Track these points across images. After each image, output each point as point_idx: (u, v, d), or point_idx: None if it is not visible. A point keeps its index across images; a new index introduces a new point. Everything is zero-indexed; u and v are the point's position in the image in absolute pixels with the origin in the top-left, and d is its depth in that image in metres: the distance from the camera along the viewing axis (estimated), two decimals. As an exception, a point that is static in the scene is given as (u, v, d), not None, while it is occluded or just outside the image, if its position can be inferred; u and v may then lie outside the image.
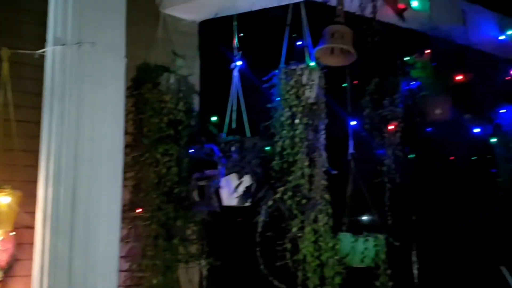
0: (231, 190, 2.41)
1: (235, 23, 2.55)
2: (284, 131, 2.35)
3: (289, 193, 2.27)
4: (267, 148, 2.42)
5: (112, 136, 2.03)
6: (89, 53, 1.97)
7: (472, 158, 3.66)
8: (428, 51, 2.90)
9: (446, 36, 3.05)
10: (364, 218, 2.66)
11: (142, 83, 2.56)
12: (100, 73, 2.01)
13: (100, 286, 1.90)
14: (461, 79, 2.84)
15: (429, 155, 3.42)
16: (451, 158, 3.58)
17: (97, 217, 1.92)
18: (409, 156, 3.29)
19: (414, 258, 3.08)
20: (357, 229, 2.44)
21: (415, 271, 3.07)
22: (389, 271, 2.41)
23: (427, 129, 3.21)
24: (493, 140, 3.30)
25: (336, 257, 2.31)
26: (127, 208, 2.49)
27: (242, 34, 2.55)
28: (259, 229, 2.25)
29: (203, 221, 2.62)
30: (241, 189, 2.39)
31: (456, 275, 3.32)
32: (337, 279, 2.30)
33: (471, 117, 3.13)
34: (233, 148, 2.34)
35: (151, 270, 2.41)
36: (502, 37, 3.44)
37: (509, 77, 3.45)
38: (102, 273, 1.91)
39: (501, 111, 3.23)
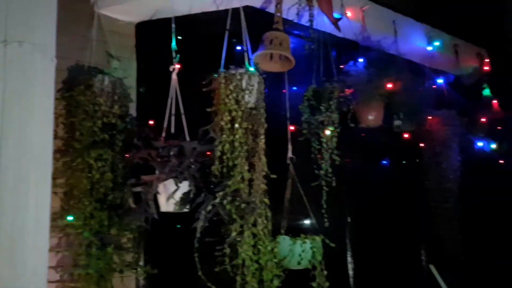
0: (169, 196, 2.36)
1: (173, 25, 2.51)
2: (224, 136, 2.34)
3: (228, 198, 2.25)
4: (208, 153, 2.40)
5: (40, 140, 1.93)
6: (16, 53, 1.86)
7: (403, 162, 3.86)
8: (362, 60, 3.02)
9: (378, 45, 3.19)
10: (302, 221, 2.70)
11: (74, 85, 2.46)
12: (28, 74, 1.89)
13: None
14: (391, 87, 2.98)
15: (364, 160, 3.57)
16: (384, 162, 3.75)
17: (24, 226, 1.81)
18: (345, 160, 3.41)
19: (349, 259, 3.18)
20: (296, 232, 2.48)
21: (351, 272, 3.16)
22: (325, 272, 2.45)
23: (362, 135, 3.35)
24: (422, 144, 3.50)
25: (275, 260, 2.32)
26: (58, 216, 2.38)
27: (180, 37, 2.51)
28: (198, 235, 2.21)
29: (140, 229, 2.56)
30: (179, 194, 2.35)
31: (389, 275, 3.47)
32: (276, 282, 2.31)
33: (401, 124, 3.29)
34: (171, 153, 2.28)
35: (84, 280, 2.30)
36: (429, 48, 3.67)
37: (435, 86, 3.69)
38: (30, 285, 1.80)
39: (428, 118, 3.42)
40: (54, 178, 2.34)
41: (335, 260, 3.08)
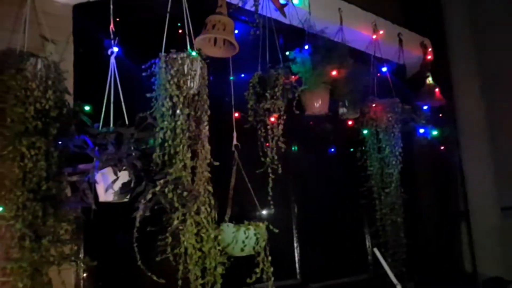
0: (107, 185, 2.27)
1: (111, 7, 2.40)
2: (165, 122, 2.27)
3: (170, 186, 2.19)
4: (150, 140, 2.32)
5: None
6: None
7: (349, 149, 3.92)
8: (307, 47, 3.03)
9: (323, 33, 3.21)
10: (248, 208, 2.68)
11: (4, 69, 2.30)
12: None
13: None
14: (336, 74, 3.01)
15: (310, 147, 3.60)
16: (330, 149, 3.80)
17: None
18: (292, 148, 3.43)
19: (295, 245, 3.21)
20: (241, 220, 2.46)
21: (297, 258, 3.19)
22: (269, 258, 2.46)
23: (308, 122, 3.37)
24: (365, 131, 3.57)
25: (218, 248, 2.30)
26: (-13, 208, 2.24)
27: (118, 19, 2.41)
28: (137, 224, 2.14)
29: (78, 220, 2.46)
30: (118, 184, 2.27)
31: (335, 260, 3.54)
32: (219, 269, 2.29)
33: (346, 111, 3.33)
34: (108, 140, 2.19)
35: (17, 274, 2.18)
36: (374, 36, 3.74)
37: (379, 74, 3.76)
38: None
39: (372, 105, 3.49)
40: None
41: (281, 247, 3.11)
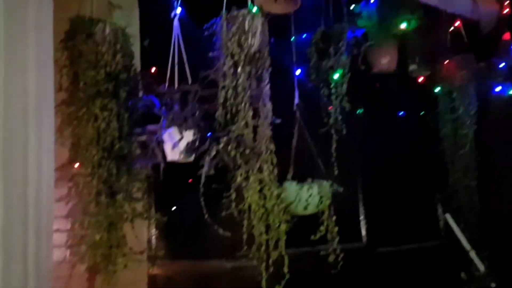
0: (174, 145, 2.36)
1: (173, -31, 2.43)
2: (227, 81, 2.28)
3: (233, 144, 2.22)
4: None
5: (40, 90, 1.93)
6: (12, 1, 1.83)
7: (419, 110, 3.74)
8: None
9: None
10: (310, 169, 2.65)
11: (75, 35, 2.42)
12: (23, 24, 1.87)
13: (35, 247, 1.84)
14: (405, 28, 2.85)
15: (376, 108, 3.47)
16: (398, 109, 3.65)
17: (28, 180, 1.83)
18: (357, 109, 3.34)
19: (361, 209, 3.15)
20: (303, 178, 2.45)
21: (362, 220, 3.14)
22: (334, 217, 2.44)
23: (374, 82, 3.24)
24: (438, 90, 3.37)
25: (281, 205, 2.31)
26: (66, 167, 2.41)
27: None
28: (203, 180, 2.20)
29: (148, 178, 2.58)
30: (184, 143, 2.35)
31: (404, 224, 3.45)
32: (283, 227, 2.31)
33: (417, 68, 3.16)
34: (174, 99, 2.26)
35: (94, 227, 2.35)
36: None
37: (452, 29, 3.51)
38: (36, 235, 1.85)
39: (445, 61, 3.28)
40: (61, 129, 2.44)
41: (346, 210, 3.07)
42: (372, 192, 3.18)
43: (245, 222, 2.26)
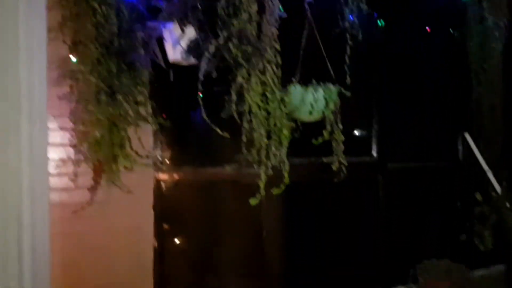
0: (175, 42, 2.25)
1: None
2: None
3: (234, 40, 2.10)
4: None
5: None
6: None
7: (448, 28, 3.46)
8: None
9: None
10: (319, 74, 2.49)
11: None
12: None
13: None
14: None
15: (399, 18, 3.22)
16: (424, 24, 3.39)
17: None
18: (378, 16, 3.10)
19: (373, 120, 3.01)
20: (308, 81, 2.32)
21: (374, 133, 3.02)
22: (340, 125, 2.34)
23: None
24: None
25: (284, 109, 2.22)
26: (66, 64, 2.35)
27: None
28: (201, 78, 2.12)
29: (152, 83, 2.53)
30: (185, 41, 2.24)
31: (419, 139, 3.31)
32: (285, 132, 2.23)
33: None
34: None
35: (95, 126, 2.33)
36: None
37: None
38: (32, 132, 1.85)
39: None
40: (61, 25, 2.36)
41: (357, 121, 2.95)
42: (386, 103, 3.00)
43: (245, 125, 2.20)
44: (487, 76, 3.12)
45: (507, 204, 3.10)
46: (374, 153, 2.98)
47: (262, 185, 2.23)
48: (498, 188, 3.27)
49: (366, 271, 2.93)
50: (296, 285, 2.58)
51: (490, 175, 3.30)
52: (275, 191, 2.31)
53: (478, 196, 3.21)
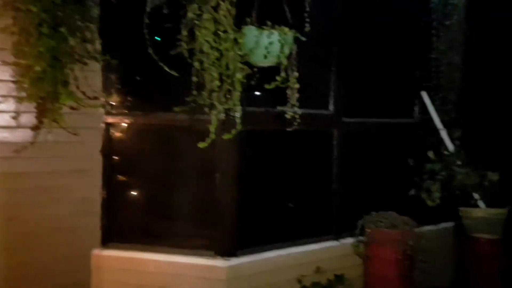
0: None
1: None
2: None
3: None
4: None
5: None
6: None
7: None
8: None
9: None
10: (276, 20, 2.39)
11: None
12: None
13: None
14: None
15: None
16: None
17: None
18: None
19: (331, 73, 2.95)
20: (264, 23, 2.23)
21: (332, 86, 2.97)
22: (296, 74, 2.28)
23: None
24: None
25: (238, 51, 2.14)
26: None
27: None
28: (148, 10, 2.00)
29: (101, 18, 2.40)
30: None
31: (377, 99, 3.30)
32: (238, 76, 2.15)
33: None
34: None
35: (36, 59, 2.19)
36: None
37: None
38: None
39: None
40: None
41: (314, 74, 2.89)
42: (346, 58, 2.94)
43: (196, 64, 2.11)
44: (447, 34, 3.10)
45: (458, 162, 3.16)
46: (331, 107, 2.95)
47: (212, 129, 2.18)
48: (450, 146, 3.31)
49: (318, 221, 2.95)
50: (247, 230, 2.58)
51: (443, 133, 3.34)
52: (226, 135, 2.26)
53: (431, 154, 3.26)
